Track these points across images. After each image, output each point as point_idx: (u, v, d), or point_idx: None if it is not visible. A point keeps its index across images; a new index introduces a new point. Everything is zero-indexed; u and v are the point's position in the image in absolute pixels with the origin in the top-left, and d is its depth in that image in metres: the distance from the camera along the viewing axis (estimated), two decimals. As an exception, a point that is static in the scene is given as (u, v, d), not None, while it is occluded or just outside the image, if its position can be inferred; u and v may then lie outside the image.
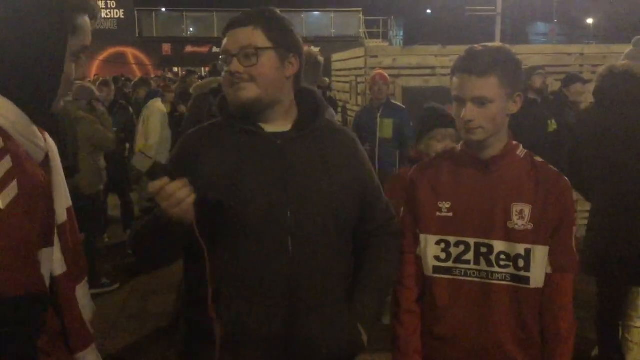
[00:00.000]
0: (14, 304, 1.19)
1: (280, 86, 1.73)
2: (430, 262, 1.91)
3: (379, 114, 5.79)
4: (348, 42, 24.68)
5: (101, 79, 8.37)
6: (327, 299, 1.75)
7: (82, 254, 1.56)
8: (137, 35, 28.45)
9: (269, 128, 1.75)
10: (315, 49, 4.34)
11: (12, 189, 1.19)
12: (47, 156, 1.38)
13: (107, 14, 27.89)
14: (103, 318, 4.67)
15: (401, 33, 32.56)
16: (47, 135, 1.42)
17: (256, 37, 1.69)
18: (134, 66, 27.18)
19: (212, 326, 1.68)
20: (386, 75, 5.93)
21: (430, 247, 1.91)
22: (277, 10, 1.77)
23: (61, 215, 1.41)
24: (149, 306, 5.11)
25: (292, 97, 1.80)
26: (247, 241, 1.67)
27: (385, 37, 29.89)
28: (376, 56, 7.04)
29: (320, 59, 4.14)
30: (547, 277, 1.85)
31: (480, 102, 1.78)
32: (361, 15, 29.04)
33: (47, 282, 1.35)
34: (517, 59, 1.84)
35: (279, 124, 1.77)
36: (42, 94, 1.32)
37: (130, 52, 28.22)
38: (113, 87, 7.45)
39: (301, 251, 1.69)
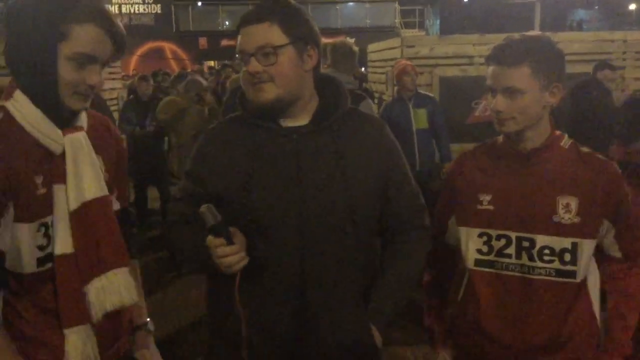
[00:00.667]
0: None
1: (301, 81, 1.69)
2: (472, 255, 1.89)
3: (411, 105, 5.66)
4: (383, 32, 24.50)
5: (139, 74, 8.49)
6: (339, 298, 1.70)
7: (117, 245, 1.64)
8: (174, 30, 28.78)
9: (288, 123, 1.72)
10: (350, 40, 4.33)
11: None
12: (63, 150, 1.54)
13: (144, 9, 28.27)
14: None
15: (437, 22, 32.13)
16: (74, 133, 1.56)
17: (273, 33, 1.62)
18: (171, 60, 27.51)
19: (234, 323, 1.68)
20: None
21: (472, 240, 1.89)
22: (292, 0, 1.70)
23: (72, 205, 1.54)
24: (188, 298, 5.17)
25: (312, 89, 1.76)
26: (260, 238, 1.66)
27: (421, 26, 29.58)
28: (413, 46, 6.98)
29: (355, 48, 4.12)
30: (617, 264, 1.88)
31: (511, 92, 1.75)
32: (397, 5, 28.78)
33: (31, 254, 1.50)
34: (555, 48, 1.79)
35: (298, 118, 1.73)
36: (42, 94, 1.49)
37: (167, 46, 28.56)
38: (152, 82, 7.53)
39: (311, 250, 1.66)
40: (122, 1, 27.99)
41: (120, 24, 1.55)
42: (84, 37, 1.46)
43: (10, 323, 1.52)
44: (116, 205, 1.74)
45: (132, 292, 1.66)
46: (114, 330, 1.69)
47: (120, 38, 1.54)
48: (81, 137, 1.58)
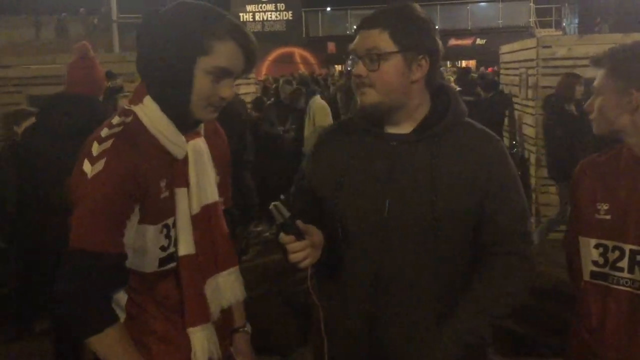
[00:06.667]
0: (88, 257, 1.43)
1: (405, 91, 1.67)
2: (588, 267, 1.82)
3: None
4: (517, 32, 23.63)
5: (276, 79, 8.59)
6: (411, 309, 1.67)
7: (229, 246, 1.75)
8: (304, 35, 29.53)
9: (392, 129, 1.72)
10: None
11: (99, 165, 1.45)
12: (186, 156, 1.61)
13: (276, 17, 29.29)
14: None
15: (576, 21, 30.41)
16: (195, 139, 1.64)
17: (381, 40, 1.63)
18: (300, 65, 28.24)
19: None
20: None
21: (589, 251, 1.81)
22: (416, 7, 1.68)
23: (194, 208, 1.62)
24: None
25: (421, 99, 1.72)
26: (343, 239, 1.70)
27: (558, 25, 28.18)
28: (549, 46, 6.67)
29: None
30: None
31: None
32: (532, 4, 27.63)
33: (154, 254, 1.56)
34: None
35: (402, 126, 1.72)
36: (175, 104, 1.55)
37: (297, 51, 29.35)
38: (294, 86, 7.60)
39: (389, 257, 1.66)
40: (256, 9, 29.18)
41: (255, 40, 1.59)
42: (224, 52, 1.52)
43: (136, 318, 1.58)
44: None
45: (243, 289, 1.78)
46: (223, 330, 1.76)
47: (253, 55, 1.58)
48: (201, 142, 1.66)
